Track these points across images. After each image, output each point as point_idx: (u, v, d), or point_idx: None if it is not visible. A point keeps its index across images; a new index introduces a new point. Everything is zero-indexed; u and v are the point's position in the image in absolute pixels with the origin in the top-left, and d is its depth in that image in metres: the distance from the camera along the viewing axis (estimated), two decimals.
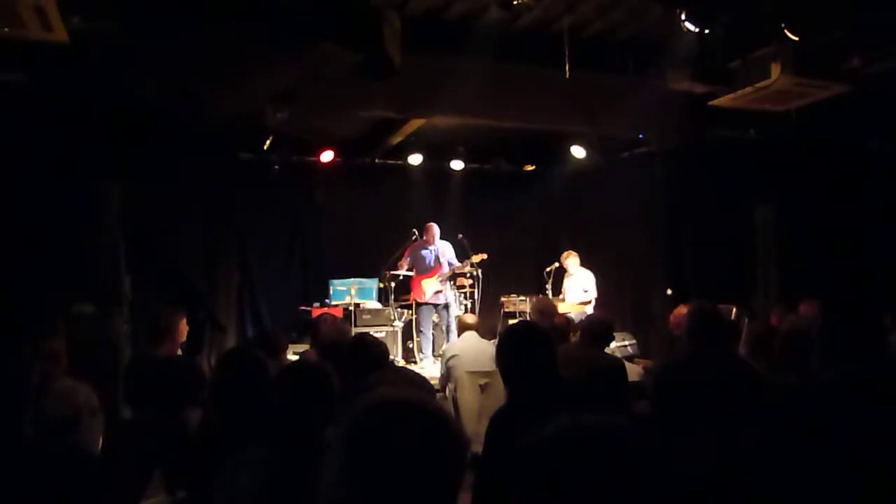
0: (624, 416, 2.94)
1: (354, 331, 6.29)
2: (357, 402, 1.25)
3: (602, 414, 1.13)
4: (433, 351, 8.68)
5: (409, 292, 9.26)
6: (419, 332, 8.65)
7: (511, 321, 8.91)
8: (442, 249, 8.84)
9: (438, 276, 8.72)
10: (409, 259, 8.78)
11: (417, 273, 8.76)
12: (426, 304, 8.66)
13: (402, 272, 8.87)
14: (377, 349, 3.73)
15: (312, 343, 5.20)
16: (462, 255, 8.94)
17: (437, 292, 8.70)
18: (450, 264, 8.81)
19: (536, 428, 1.21)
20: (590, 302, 8.63)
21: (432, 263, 8.77)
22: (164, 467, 2.48)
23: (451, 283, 8.97)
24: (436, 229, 8.78)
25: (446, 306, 8.73)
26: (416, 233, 8.94)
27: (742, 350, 4.39)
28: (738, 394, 3.15)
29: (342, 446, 1.19)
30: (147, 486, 2.39)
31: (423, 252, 8.81)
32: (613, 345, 5.62)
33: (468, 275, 9.01)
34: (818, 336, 3.14)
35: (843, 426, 2.22)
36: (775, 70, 5.46)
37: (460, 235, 9.04)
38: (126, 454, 2.72)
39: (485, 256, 8.81)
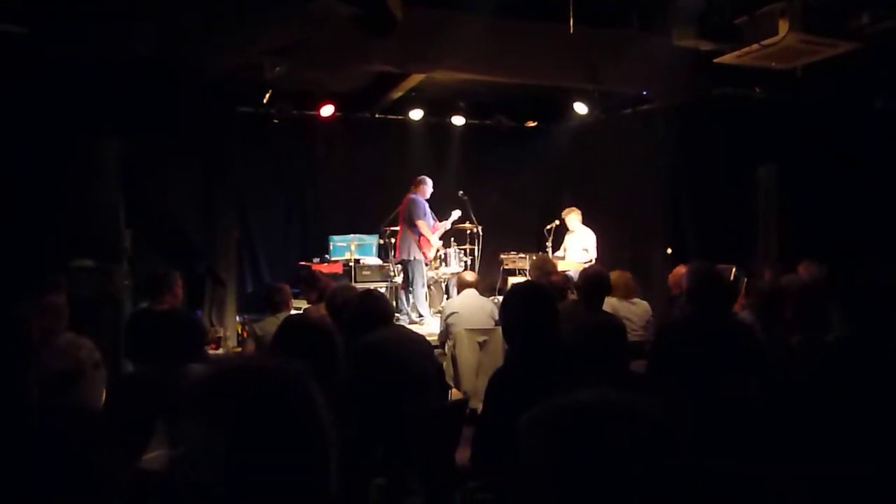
0: (621, 377, 2.96)
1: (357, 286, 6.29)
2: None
3: (624, 390, 1.12)
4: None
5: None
6: (421, 286, 8.46)
7: (511, 279, 8.95)
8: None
9: (438, 232, 8.64)
10: (426, 212, 8.33)
11: (428, 227, 8.41)
12: (427, 260, 8.57)
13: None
14: (384, 304, 3.76)
15: (318, 297, 5.24)
16: (464, 214, 8.90)
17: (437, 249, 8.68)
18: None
19: (538, 390, 1.20)
20: (590, 261, 8.63)
21: (433, 218, 8.71)
22: (165, 421, 2.51)
23: (452, 239, 8.94)
24: (429, 181, 8.47)
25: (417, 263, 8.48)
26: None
27: (744, 311, 4.40)
28: (736, 355, 3.17)
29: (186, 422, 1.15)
30: (149, 439, 2.42)
31: (427, 206, 8.68)
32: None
33: (469, 231, 8.99)
34: (828, 297, 3.13)
35: (864, 387, 2.23)
36: (783, 26, 5.37)
37: (461, 192, 9.00)
38: (128, 408, 2.76)
39: (458, 213, 8.67)
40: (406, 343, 3.63)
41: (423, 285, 8.47)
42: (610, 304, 5.07)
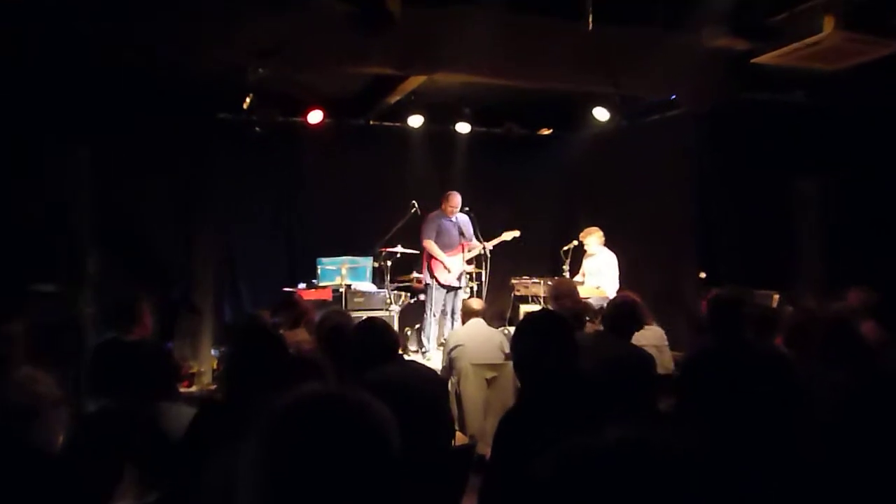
0: (649, 416, 2.94)
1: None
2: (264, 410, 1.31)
3: (645, 428, 1.11)
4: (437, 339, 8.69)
5: (408, 272, 9.25)
6: (432, 316, 8.57)
7: (523, 307, 8.93)
8: (462, 223, 8.78)
9: (463, 254, 8.67)
10: (433, 231, 8.63)
11: (443, 248, 8.59)
12: (445, 286, 8.62)
13: (400, 249, 8.86)
14: (388, 337, 3.71)
15: (294, 322, 5.22)
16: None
17: (460, 273, 8.68)
18: (472, 240, 8.74)
19: (556, 433, 1.19)
20: (612, 286, 8.62)
21: (457, 238, 8.72)
22: (135, 465, 2.49)
23: (472, 262, 8.95)
24: (458, 199, 8.68)
25: (457, 289, 8.71)
26: (416, 205, 8.91)
27: (780, 342, 4.39)
28: (767, 392, 3.14)
29: (257, 459, 1.26)
30: (117, 486, 2.40)
31: (446, 224, 8.70)
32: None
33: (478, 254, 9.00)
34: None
35: None
36: (827, 23, 5.39)
37: (466, 209, 9.02)
38: (91, 451, 2.74)
39: (517, 234, 8.79)
40: (416, 383, 3.56)
41: (433, 314, 8.49)
42: None
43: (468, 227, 8.76)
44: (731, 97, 7.49)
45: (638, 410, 3.17)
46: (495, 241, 8.71)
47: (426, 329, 8.53)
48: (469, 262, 8.79)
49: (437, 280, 8.47)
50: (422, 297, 8.91)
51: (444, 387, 3.90)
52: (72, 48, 5.73)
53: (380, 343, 3.59)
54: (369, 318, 3.99)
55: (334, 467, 1.25)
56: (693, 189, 8.66)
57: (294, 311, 5.44)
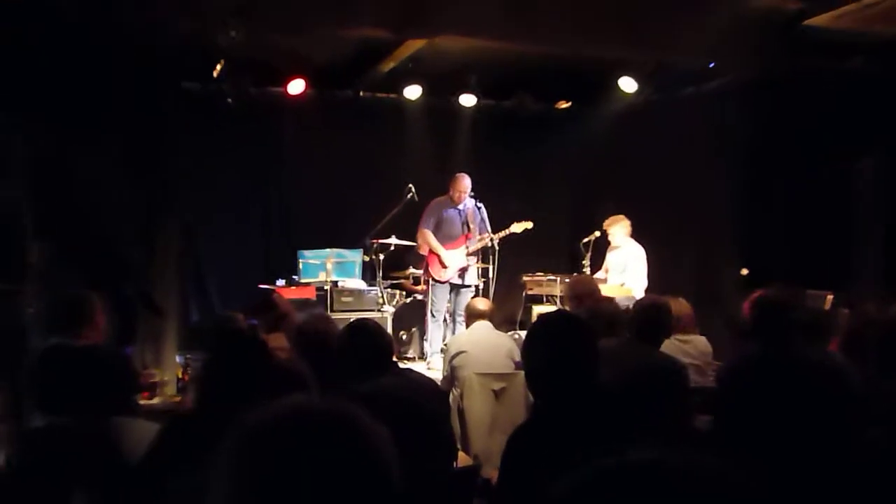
0: (681, 435, 2.94)
1: (333, 317, 6.29)
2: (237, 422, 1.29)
3: (676, 448, 1.11)
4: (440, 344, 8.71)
5: (403, 268, 9.26)
6: (432, 317, 8.60)
7: (536, 308, 8.93)
8: (470, 211, 8.79)
9: (466, 247, 8.69)
10: (431, 219, 8.69)
11: (441, 241, 8.63)
12: (444, 282, 8.65)
13: (394, 241, 8.87)
14: (380, 342, 3.70)
15: (274, 324, 5.23)
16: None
17: (463, 270, 8.70)
18: (480, 232, 8.74)
19: (573, 454, 1.20)
20: (640, 285, 8.63)
21: (462, 229, 8.74)
22: (85, 491, 2.50)
23: (478, 257, 8.94)
24: (467, 182, 8.68)
25: (462, 287, 8.70)
26: (413, 190, 8.91)
27: (835, 349, 4.39)
28: (819, 406, 3.15)
29: (227, 488, 1.24)
30: None
31: (450, 212, 8.72)
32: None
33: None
34: None
35: None
36: None
37: (474, 197, 9.03)
38: (35, 473, 2.74)
39: (529, 225, 8.79)
40: (412, 396, 3.54)
41: (433, 315, 8.50)
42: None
43: (476, 218, 8.74)
44: (780, 65, 7.48)
45: (668, 428, 3.17)
46: (503, 234, 8.70)
47: (428, 333, 8.54)
48: (471, 254, 8.78)
49: (430, 275, 8.50)
50: (419, 296, 8.92)
51: (445, 400, 3.91)
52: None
53: (371, 350, 3.59)
54: (359, 321, 4.00)
55: (320, 499, 1.21)
56: (734, 172, 8.65)
57: (273, 312, 5.45)
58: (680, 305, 5.68)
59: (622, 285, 8.55)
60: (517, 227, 8.76)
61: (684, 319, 5.74)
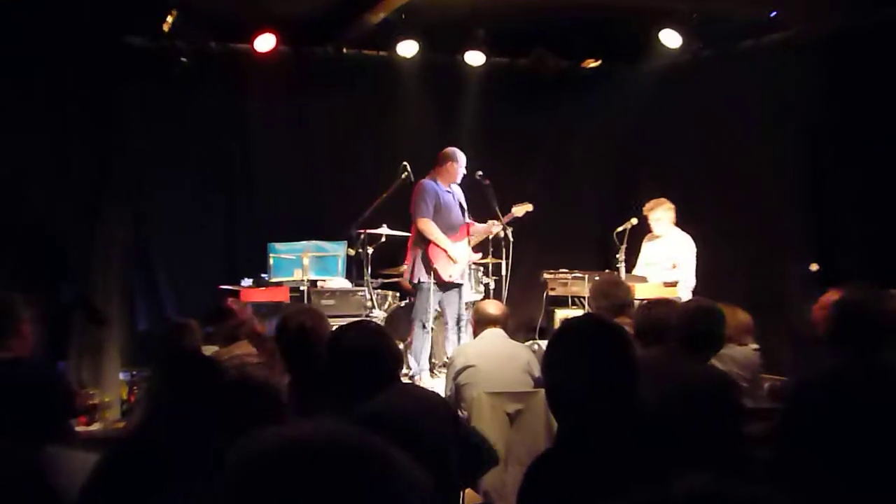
0: (735, 463, 2.94)
1: None
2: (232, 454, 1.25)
3: (729, 479, 1.11)
4: (433, 357, 8.70)
5: (397, 263, 9.25)
6: (421, 326, 8.56)
7: (560, 312, 8.93)
8: (459, 193, 8.76)
9: (469, 238, 8.67)
10: (429, 206, 8.55)
11: (444, 231, 8.53)
12: (441, 282, 8.60)
13: (385, 231, 8.85)
14: (387, 350, 3.67)
15: (229, 336, 5.24)
16: (487, 210, 8.88)
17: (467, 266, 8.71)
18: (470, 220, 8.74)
19: (604, 489, 1.21)
20: (684, 282, 8.62)
21: (460, 216, 8.70)
22: None
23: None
24: (463, 160, 8.64)
25: (459, 287, 8.69)
26: (409, 169, 8.90)
27: None
28: None
29: None
30: None
31: (446, 196, 8.64)
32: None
33: (491, 236, 8.98)
34: None
35: None
36: None
37: (479, 173, 9.01)
38: None
39: (529, 208, 8.77)
40: (421, 417, 3.54)
41: (422, 323, 8.47)
42: None
43: (463, 200, 8.75)
44: (856, 16, 7.46)
45: (719, 457, 3.17)
46: (506, 219, 8.68)
47: (415, 344, 8.50)
48: (475, 249, 8.77)
49: (437, 274, 8.44)
50: (412, 299, 8.89)
51: (454, 421, 3.89)
52: None
53: (375, 359, 3.58)
54: (358, 323, 3.99)
55: None
56: (799, 147, 8.64)
57: (227, 321, 5.46)
58: (737, 315, 5.70)
59: (664, 284, 8.53)
60: (518, 210, 8.74)
61: (741, 328, 5.75)
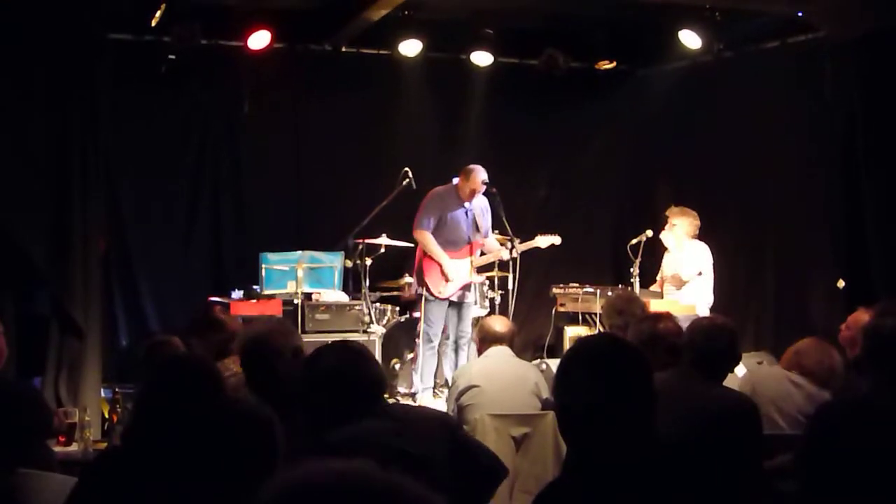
0: (754, 493, 2.89)
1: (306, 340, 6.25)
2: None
3: None
4: (435, 376, 8.66)
5: (397, 276, 9.23)
6: (427, 341, 8.56)
7: (571, 329, 8.90)
8: (478, 211, 8.72)
9: (471, 260, 8.63)
10: (432, 218, 8.63)
11: (444, 246, 8.58)
12: (444, 299, 8.60)
13: (385, 241, 8.83)
14: (368, 373, 3.62)
15: (220, 350, 5.20)
16: (495, 222, 8.84)
17: (465, 286, 8.67)
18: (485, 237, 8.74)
19: None
20: (706, 300, 8.59)
21: (469, 234, 8.69)
22: None
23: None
24: (485, 177, 8.53)
25: (462, 304, 8.65)
26: (410, 175, 8.88)
27: None
28: None
29: None
30: None
31: (456, 212, 8.66)
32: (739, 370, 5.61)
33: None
34: None
35: None
36: None
37: (485, 181, 9.01)
38: None
39: (556, 241, 8.77)
40: (409, 440, 3.50)
41: (428, 339, 8.44)
42: None
43: (485, 218, 8.70)
44: (890, 18, 7.44)
45: (738, 488, 3.11)
46: (523, 247, 8.69)
47: (418, 362, 8.49)
48: (481, 270, 8.71)
49: (428, 289, 8.43)
50: (416, 313, 8.87)
51: (451, 439, 3.83)
52: None
53: (354, 383, 3.53)
54: (338, 343, 3.93)
55: None
56: (828, 154, 8.61)
57: (216, 333, 5.41)
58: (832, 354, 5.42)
59: (680, 300, 8.49)
60: (542, 241, 8.77)
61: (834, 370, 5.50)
